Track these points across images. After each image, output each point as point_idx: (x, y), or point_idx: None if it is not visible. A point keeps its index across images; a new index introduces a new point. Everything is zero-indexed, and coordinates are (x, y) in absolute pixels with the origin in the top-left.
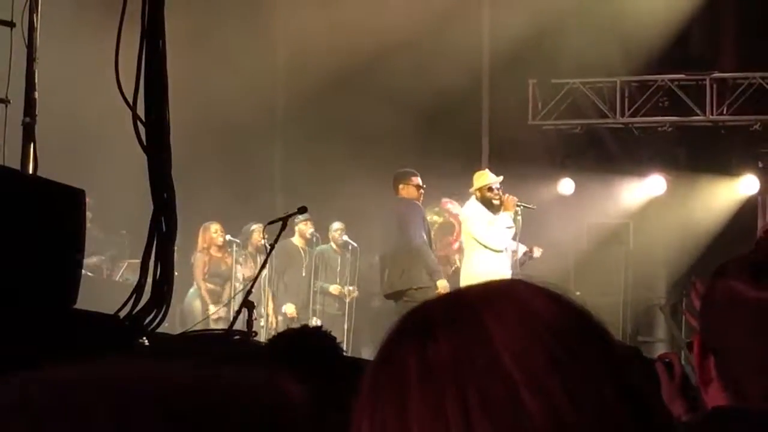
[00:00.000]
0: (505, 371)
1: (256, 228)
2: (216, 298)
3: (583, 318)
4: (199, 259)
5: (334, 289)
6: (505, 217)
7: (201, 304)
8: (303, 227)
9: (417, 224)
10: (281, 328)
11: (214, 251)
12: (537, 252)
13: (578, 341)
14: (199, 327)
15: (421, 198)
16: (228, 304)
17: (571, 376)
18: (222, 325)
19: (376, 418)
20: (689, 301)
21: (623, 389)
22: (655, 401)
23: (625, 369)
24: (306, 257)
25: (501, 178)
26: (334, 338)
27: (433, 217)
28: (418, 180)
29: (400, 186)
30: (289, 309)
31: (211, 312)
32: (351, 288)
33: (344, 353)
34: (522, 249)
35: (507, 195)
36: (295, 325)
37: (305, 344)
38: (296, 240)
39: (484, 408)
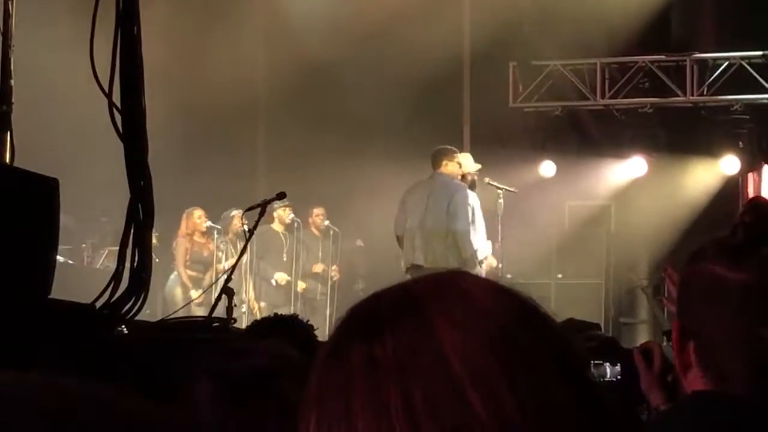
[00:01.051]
0: (451, 370)
1: (236, 214)
2: (197, 285)
3: (530, 315)
4: (180, 245)
5: (317, 267)
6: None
7: (182, 291)
8: (282, 213)
9: (464, 208)
10: (264, 314)
11: (197, 237)
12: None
13: (525, 340)
14: (180, 314)
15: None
16: (208, 291)
17: (517, 375)
18: (203, 312)
19: (322, 414)
20: (665, 287)
21: (571, 387)
22: (610, 399)
23: (575, 367)
24: (286, 242)
25: (479, 166)
26: (310, 325)
27: None
28: (459, 157)
29: (444, 162)
30: (281, 277)
31: (193, 297)
32: (333, 268)
33: (318, 339)
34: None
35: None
36: (282, 299)
37: (282, 330)
38: (276, 225)
39: (428, 407)
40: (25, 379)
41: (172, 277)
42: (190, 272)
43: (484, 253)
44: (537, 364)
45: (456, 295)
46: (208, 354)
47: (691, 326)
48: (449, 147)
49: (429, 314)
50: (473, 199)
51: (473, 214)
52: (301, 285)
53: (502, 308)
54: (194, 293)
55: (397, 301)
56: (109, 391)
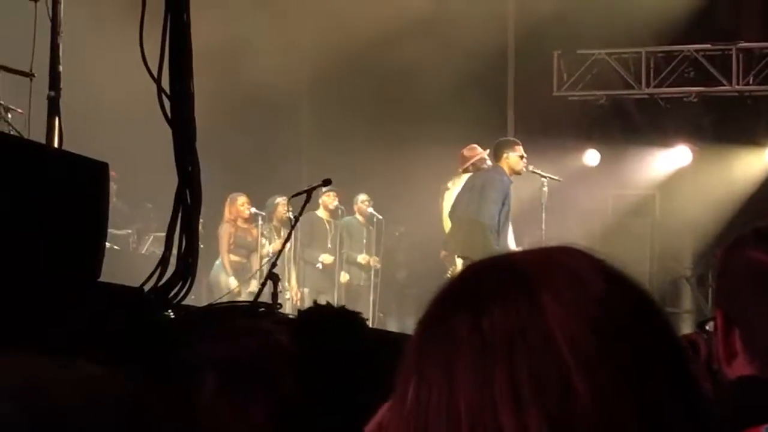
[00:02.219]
0: (558, 353)
1: (281, 201)
2: (242, 270)
3: (640, 301)
4: (225, 231)
5: (362, 258)
6: None
7: (227, 277)
8: (327, 199)
9: (495, 200)
10: (307, 300)
11: (240, 223)
12: None
13: (632, 325)
14: (225, 299)
15: (522, 168)
16: (253, 277)
17: (623, 364)
18: (248, 298)
19: (423, 381)
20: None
21: (676, 379)
22: (707, 393)
23: (681, 358)
24: (331, 229)
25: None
26: (360, 315)
27: None
28: (519, 148)
29: (504, 154)
30: (326, 258)
31: (232, 286)
32: (376, 258)
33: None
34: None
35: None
36: (326, 284)
37: (333, 322)
38: (320, 212)
39: (533, 386)
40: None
41: (217, 263)
42: (234, 257)
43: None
44: (644, 353)
45: (565, 275)
46: (208, 339)
47: (735, 314)
48: (510, 139)
49: (537, 292)
50: (506, 192)
51: (504, 206)
52: (344, 276)
53: (613, 292)
54: (235, 279)
55: (503, 276)
56: (89, 370)
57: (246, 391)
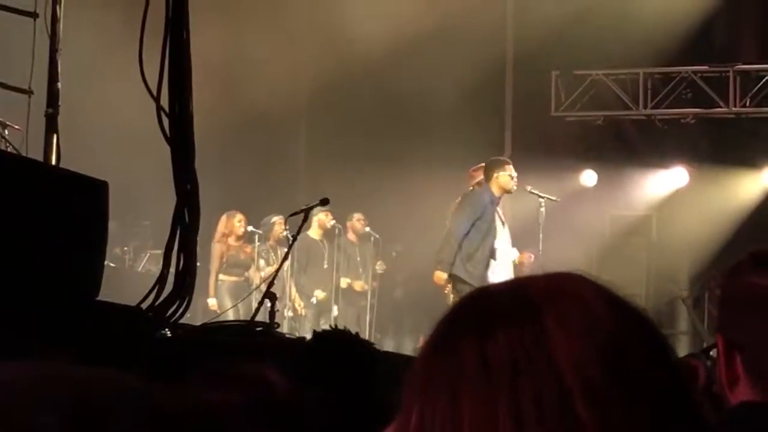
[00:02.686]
0: (562, 379)
1: (277, 220)
2: (237, 289)
3: (644, 328)
4: (216, 249)
5: (358, 285)
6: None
7: (229, 297)
8: (323, 218)
9: (467, 213)
10: (309, 317)
11: (232, 241)
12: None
13: (638, 353)
14: (222, 318)
15: (512, 186)
16: (248, 296)
17: (628, 390)
18: (244, 316)
19: (427, 405)
20: (714, 296)
21: (680, 406)
22: (708, 420)
23: (684, 385)
24: (326, 249)
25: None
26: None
27: None
28: (508, 167)
29: (494, 174)
30: (320, 295)
31: (218, 305)
32: (379, 263)
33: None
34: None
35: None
36: (324, 313)
37: (348, 350)
38: (313, 233)
39: (537, 412)
40: (34, 368)
41: (212, 285)
42: (230, 277)
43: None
44: (648, 381)
45: (571, 302)
46: (200, 377)
47: (736, 339)
48: (501, 158)
49: (543, 318)
50: (483, 208)
51: (481, 221)
52: (344, 281)
53: (618, 319)
54: (228, 298)
55: (511, 302)
56: (126, 377)
57: None
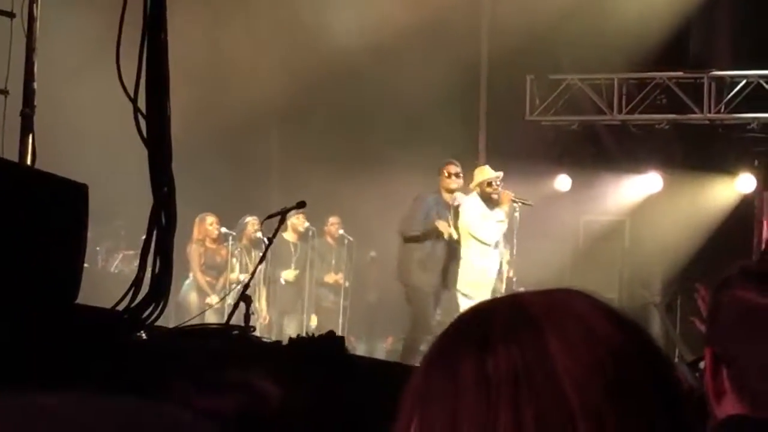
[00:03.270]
0: (564, 397)
1: (251, 221)
2: (212, 290)
3: (646, 347)
4: (194, 251)
5: (329, 277)
6: (498, 212)
7: (197, 296)
8: (296, 221)
9: (410, 212)
10: (274, 323)
11: (209, 243)
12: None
13: (638, 372)
14: (195, 320)
15: (451, 185)
16: (224, 298)
17: (627, 409)
18: (216, 318)
19: (426, 419)
20: (696, 307)
21: (677, 425)
22: None
23: (681, 404)
24: (296, 251)
25: (501, 173)
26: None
27: None
28: (450, 168)
29: (439, 175)
30: (288, 274)
31: (213, 302)
32: (347, 278)
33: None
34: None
35: (503, 190)
36: (292, 303)
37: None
38: (288, 235)
39: (538, 429)
40: (84, 401)
41: (186, 282)
42: (204, 276)
43: None
44: (648, 401)
45: (572, 318)
46: (192, 384)
47: (723, 353)
48: (446, 159)
49: (545, 334)
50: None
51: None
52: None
53: (619, 337)
54: (210, 299)
55: (511, 317)
56: (171, 409)
57: None
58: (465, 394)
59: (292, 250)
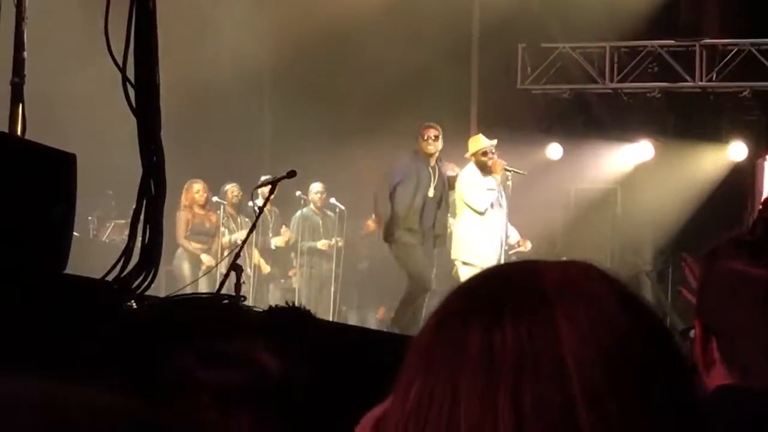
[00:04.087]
0: (566, 379)
1: (230, 187)
2: (199, 257)
3: (653, 329)
4: (181, 218)
5: (322, 244)
6: (490, 180)
7: (189, 264)
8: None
9: (391, 177)
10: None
11: (197, 209)
12: (527, 245)
13: (645, 360)
14: (187, 289)
15: (428, 148)
16: (215, 266)
17: (630, 397)
18: (208, 287)
19: (426, 385)
20: (684, 279)
21: (682, 413)
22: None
23: (689, 389)
24: (272, 218)
25: (494, 141)
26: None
27: None
28: (429, 131)
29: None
30: (278, 241)
31: (205, 263)
32: (339, 238)
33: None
34: (515, 235)
35: (496, 159)
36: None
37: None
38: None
39: (536, 411)
40: (25, 389)
41: (178, 252)
42: (194, 244)
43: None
44: (653, 387)
45: (583, 298)
46: (197, 359)
47: (713, 323)
48: (425, 123)
49: (554, 315)
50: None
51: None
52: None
53: (628, 320)
54: (205, 257)
55: (522, 291)
56: (113, 399)
57: (236, 423)
58: (467, 369)
59: (269, 217)
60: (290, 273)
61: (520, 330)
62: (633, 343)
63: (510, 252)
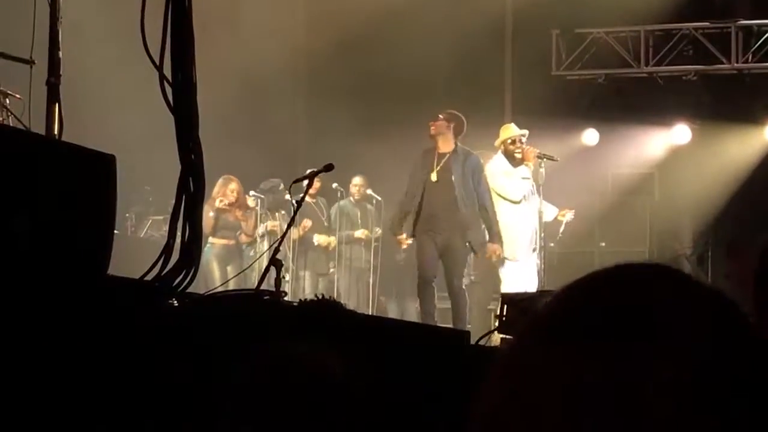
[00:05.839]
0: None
1: (276, 183)
2: (229, 251)
3: (742, 362)
4: (211, 213)
5: (360, 233)
6: (523, 169)
7: (215, 260)
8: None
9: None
10: (309, 280)
11: (224, 204)
12: (569, 215)
13: (731, 397)
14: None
15: (436, 138)
16: (252, 264)
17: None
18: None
19: (503, 412)
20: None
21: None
22: None
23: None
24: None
25: (526, 132)
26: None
27: None
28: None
29: None
30: (321, 239)
31: (224, 271)
32: (377, 230)
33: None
34: (552, 211)
35: (527, 147)
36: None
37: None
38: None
39: None
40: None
41: (206, 248)
42: (221, 240)
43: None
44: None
45: (688, 322)
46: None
47: None
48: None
49: (648, 348)
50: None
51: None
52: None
53: (724, 348)
54: (215, 262)
55: (616, 314)
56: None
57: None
58: (550, 398)
59: (316, 210)
60: (330, 267)
61: (613, 364)
62: (718, 380)
63: (559, 226)
